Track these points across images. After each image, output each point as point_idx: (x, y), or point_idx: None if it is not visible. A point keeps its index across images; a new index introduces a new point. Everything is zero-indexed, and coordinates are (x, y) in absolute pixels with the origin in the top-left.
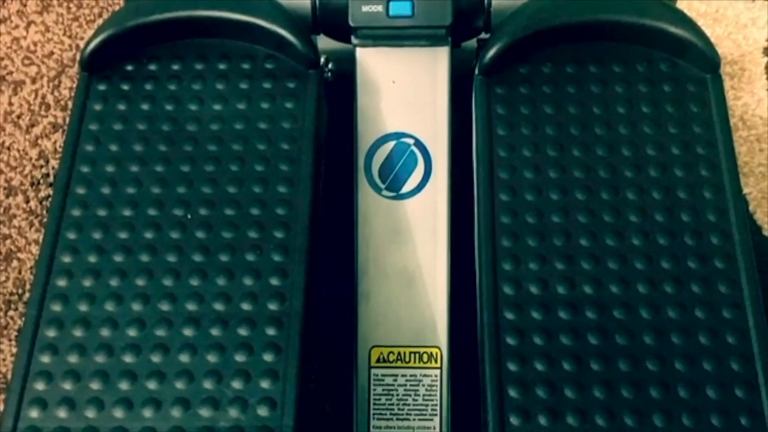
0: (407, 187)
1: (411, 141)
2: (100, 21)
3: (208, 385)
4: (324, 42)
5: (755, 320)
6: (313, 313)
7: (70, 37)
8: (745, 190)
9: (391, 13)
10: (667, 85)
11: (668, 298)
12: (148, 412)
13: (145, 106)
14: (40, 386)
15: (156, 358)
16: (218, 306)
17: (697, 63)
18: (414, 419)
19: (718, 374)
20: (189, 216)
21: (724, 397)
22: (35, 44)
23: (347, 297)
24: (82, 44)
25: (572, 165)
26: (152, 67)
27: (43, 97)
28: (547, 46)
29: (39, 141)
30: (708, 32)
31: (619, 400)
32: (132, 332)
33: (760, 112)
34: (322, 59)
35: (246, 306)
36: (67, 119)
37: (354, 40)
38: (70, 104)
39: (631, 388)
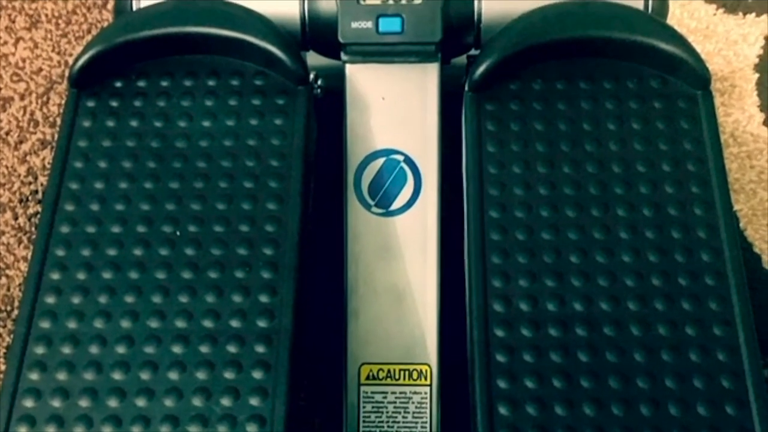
0: (397, 204)
1: (401, 157)
2: (88, 37)
3: (197, 402)
4: (313, 58)
5: (745, 337)
6: (302, 330)
7: (58, 53)
8: (736, 207)
9: (380, 29)
10: (658, 101)
11: (658, 315)
12: (137, 430)
13: (134, 123)
14: (28, 403)
15: (145, 376)
16: (207, 323)
17: (687, 79)
18: None
19: (709, 391)
20: (178, 233)
21: (715, 414)
22: (24, 61)
23: (337, 314)
24: (70, 60)
25: (562, 182)
26: (141, 83)
27: (32, 113)
28: (537, 62)
29: (28, 158)
30: (698, 48)
31: (610, 418)
32: (121, 349)
33: (750, 129)
34: (312, 75)
35: (235, 323)
36: (56, 136)
37: (343, 57)
38: (58, 121)
39: (621, 405)
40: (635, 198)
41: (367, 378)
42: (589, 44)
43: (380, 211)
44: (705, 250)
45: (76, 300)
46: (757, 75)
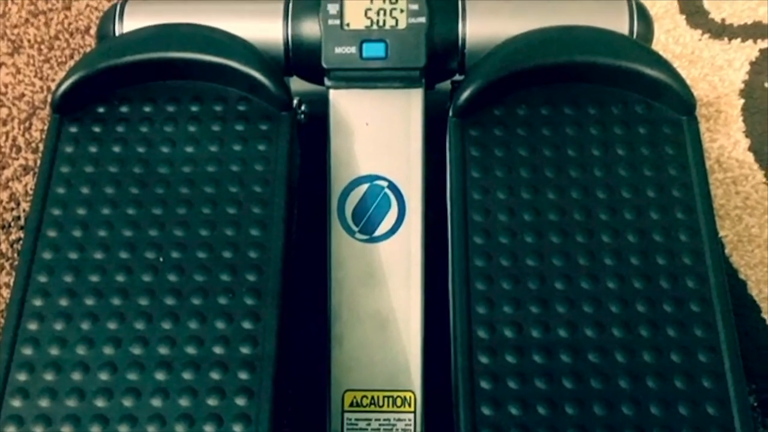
0: (381, 230)
1: (384, 183)
2: (71, 63)
3: (180, 429)
4: (297, 84)
5: (731, 363)
6: (285, 356)
7: (41, 78)
8: (722, 233)
9: (364, 54)
10: (643, 126)
11: (644, 342)
12: None
13: (116, 149)
14: (11, 430)
15: (128, 402)
16: (190, 349)
17: (672, 105)
18: None
19: (695, 418)
20: (161, 259)
21: None
22: (6, 86)
23: (320, 340)
24: (53, 86)
25: (547, 208)
26: (124, 109)
27: (14, 139)
28: (522, 87)
29: (10, 183)
30: (684, 74)
31: None
32: (104, 376)
33: (736, 155)
34: (295, 101)
35: (218, 349)
36: (39, 161)
37: (327, 82)
38: (41, 146)
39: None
40: (620, 224)
41: (351, 405)
42: (574, 69)
43: (364, 237)
44: (690, 276)
45: (58, 326)
46: (742, 100)
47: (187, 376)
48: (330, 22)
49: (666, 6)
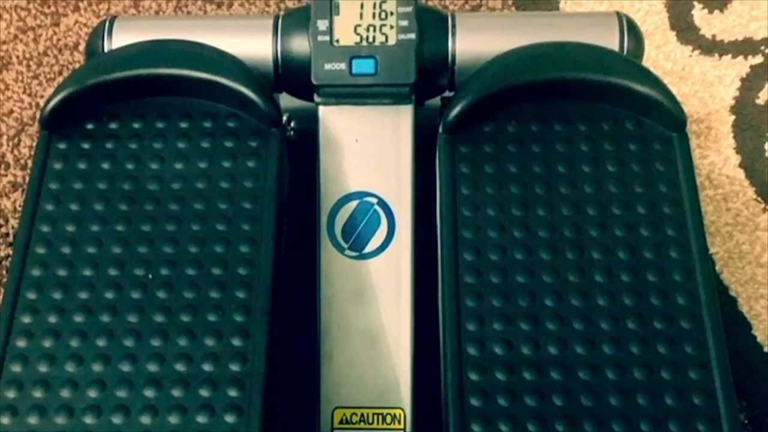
0: (370, 247)
1: (374, 200)
2: (60, 79)
3: None
4: (286, 100)
5: (722, 381)
6: (275, 373)
7: (29, 95)
8: (712, 250)
9: (354, 71)
10: (633, 143)
11: (634, 359)
12: None
13: (105, 165)
14: None
15: (117, 420)
16: (180, 367)
17: (663, 121)
18: None
19: None
20: (150, 276)
21: None
22: None
23: (310, 357)
24: (42, 102)
25: (537, 224)
26: (113, 125)
27: (3, 155)
28: (512, 104)
29: None
30: (674, 90)
31: None
32: (93, 393)
33: (726, 171)
34: (285, 117)
35: (208, 367)
36: (27, 178)
37: (317, 98)
38: (29, 163)
39: None
40: (610, 241)
41: (341, 422)
42: (564, 86)
43: (354, 254)
44: (681, 293)
45: (47, 344)
46: (733, 117)
47: (176, 393)
48: (320, 38)
49: (656, 22)
